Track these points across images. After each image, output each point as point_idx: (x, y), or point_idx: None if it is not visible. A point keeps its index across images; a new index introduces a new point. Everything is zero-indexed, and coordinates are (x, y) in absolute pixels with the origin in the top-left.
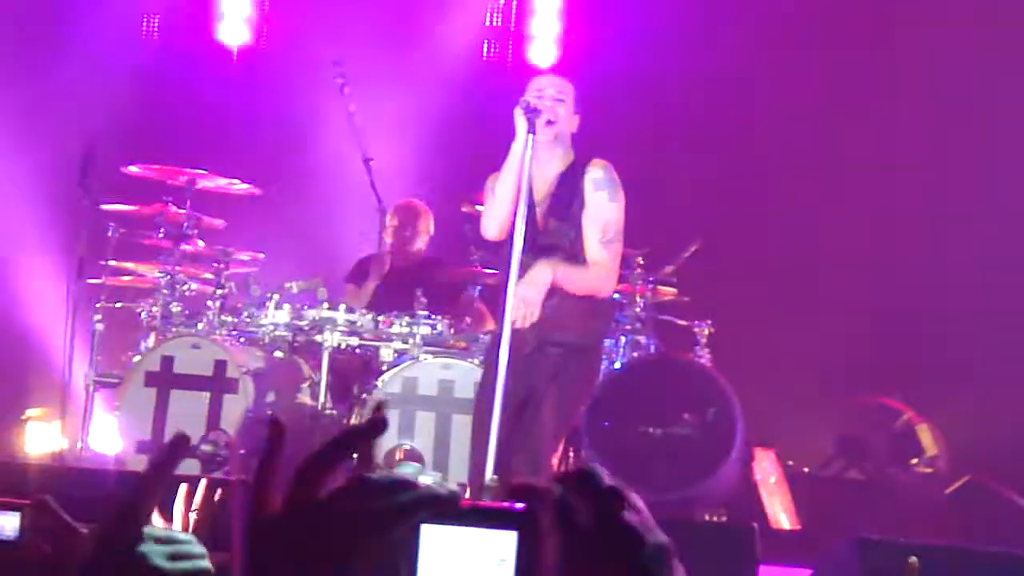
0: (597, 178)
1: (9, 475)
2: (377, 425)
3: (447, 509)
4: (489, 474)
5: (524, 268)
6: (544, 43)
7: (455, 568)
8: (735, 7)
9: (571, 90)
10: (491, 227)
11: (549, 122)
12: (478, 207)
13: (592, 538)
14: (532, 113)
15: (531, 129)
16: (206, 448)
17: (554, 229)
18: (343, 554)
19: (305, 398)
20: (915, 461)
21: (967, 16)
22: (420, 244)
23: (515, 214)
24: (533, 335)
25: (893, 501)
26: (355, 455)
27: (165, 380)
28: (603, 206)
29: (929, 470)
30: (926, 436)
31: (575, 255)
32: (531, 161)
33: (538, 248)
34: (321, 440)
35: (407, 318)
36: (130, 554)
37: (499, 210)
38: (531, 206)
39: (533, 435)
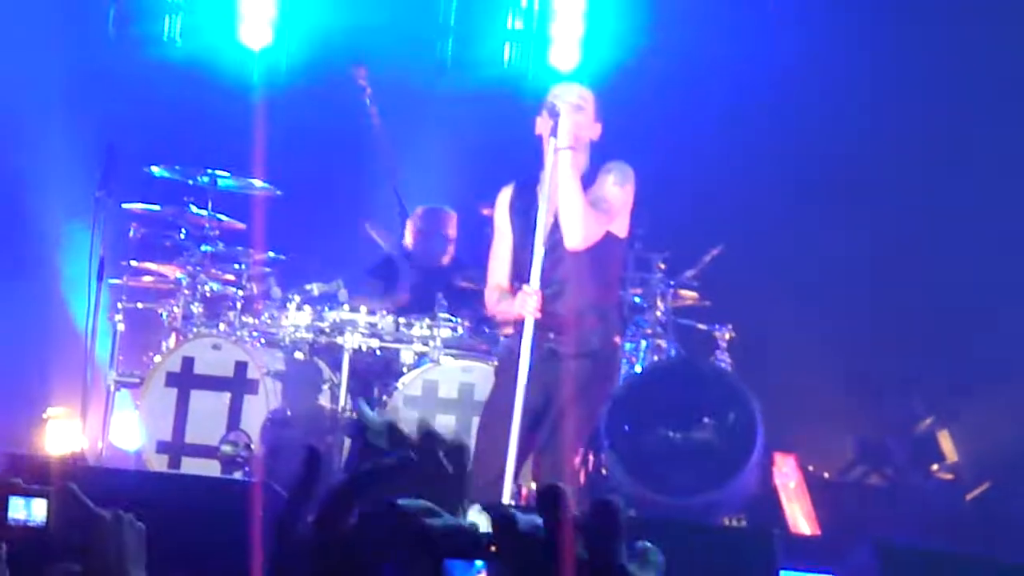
0: (609, 168)
1: (32, 470)
2: (409, 466)
3: (471, 545)
4: (509, 482)
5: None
6: (566, 46)
7: None
8: (763, 9)
9: (591, 98)
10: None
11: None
12: None
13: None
14: (554, 116)
15: (553, 132)
16: (226, 449)
17: None
18: None
19: (325, 400)
20: (936, 467)
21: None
22: (443, 248)
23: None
24: (546, 345)
25: (914, 507)
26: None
27: (186, 381)
28: (605, 184)
29: (950, 476)
30: (947, 442)
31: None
32: (554, 167)
33: (551, 244)
34: (340, 445)
35: (428, 320)
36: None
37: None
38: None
39: (556, 441)
